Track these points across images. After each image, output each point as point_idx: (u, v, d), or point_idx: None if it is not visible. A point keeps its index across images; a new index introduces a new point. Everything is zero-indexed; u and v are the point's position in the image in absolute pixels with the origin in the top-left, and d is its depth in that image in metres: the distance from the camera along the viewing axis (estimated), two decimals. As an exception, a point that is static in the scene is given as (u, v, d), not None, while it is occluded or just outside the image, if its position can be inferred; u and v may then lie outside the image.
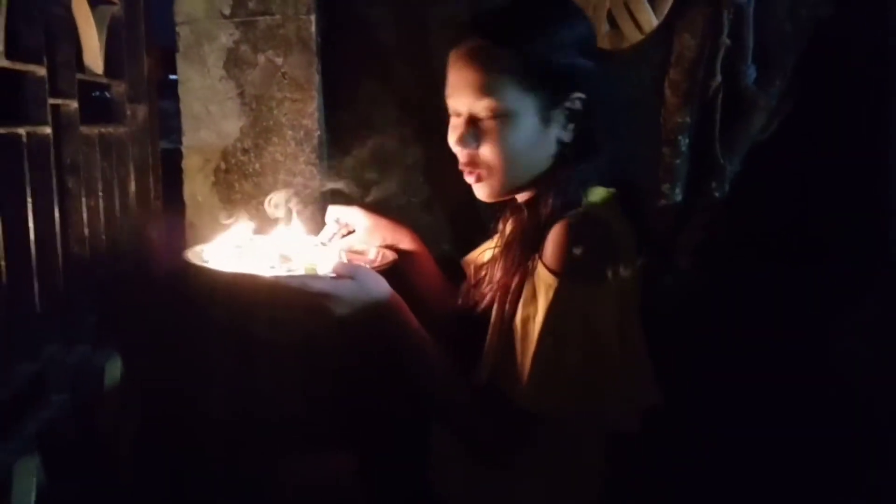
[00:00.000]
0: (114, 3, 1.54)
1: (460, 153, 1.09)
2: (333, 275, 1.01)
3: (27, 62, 1.17)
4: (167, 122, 2.17)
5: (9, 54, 1.11)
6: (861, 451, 1.65)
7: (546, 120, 1.05)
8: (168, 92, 1.96)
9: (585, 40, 1.08)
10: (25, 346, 1.15)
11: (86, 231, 1.40)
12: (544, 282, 0.95)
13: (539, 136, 1.04)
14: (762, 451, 1.71)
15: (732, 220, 2.01)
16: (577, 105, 1.05)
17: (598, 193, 1.04)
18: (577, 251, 0.93)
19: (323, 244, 1.24)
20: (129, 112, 1.64)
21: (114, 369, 1.46)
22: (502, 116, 1.02)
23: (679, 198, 2.06)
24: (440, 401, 1.03)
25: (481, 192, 1.11)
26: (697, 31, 1.88)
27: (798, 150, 1.92)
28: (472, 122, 1.06)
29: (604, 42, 1.95)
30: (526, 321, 0.96)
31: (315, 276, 1.02)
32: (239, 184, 1.71)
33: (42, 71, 1.20)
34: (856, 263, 1.83)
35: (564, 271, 0.93)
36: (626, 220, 1.02)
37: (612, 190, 1.05)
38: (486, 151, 1.05)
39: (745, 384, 1.77)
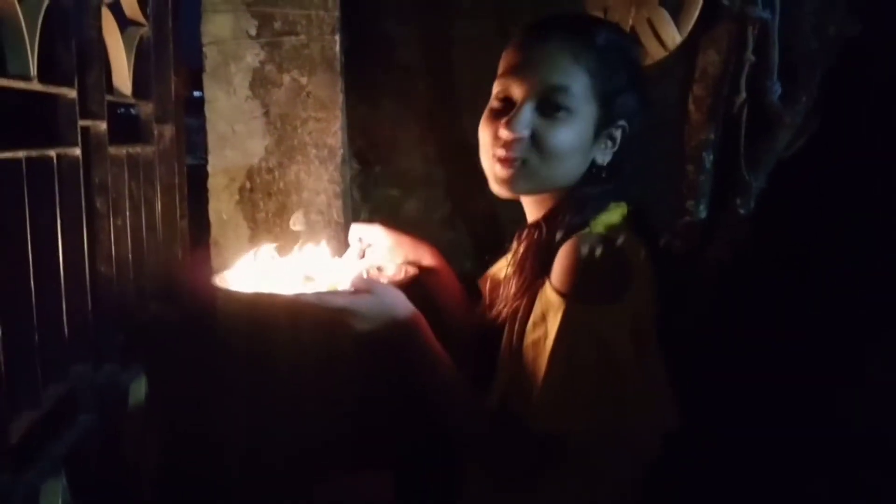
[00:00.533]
0: (143, 25, 1.56)
1: (506, 135, 1.04)
2: (352, 290, 1.00)
3: (59, 85, 1.19)
4: (191, 138, 2.20)
5: (41, 77, 1.12)
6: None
7: (596, 135, 1.05)
8: (192, 108, 1.99)
9: (642, 74, 1.11)
10: (55, 366, 1.16)
11: (113, 250, 1.41)
12: (553, 304, 0.94)
13: (586, 146, 1.05)
14: (787, 461, 1.69)
15: (758, 237, 1.99)
16: (618, 133, 1.06)
17: (611, 212, 1.03)
18: (584, 271, 0.92)
19: (345, 262, 1.24)
20: (156, 132, 1.66)
21: (139, 388, 1.47)
22: (567, 109, 1.02)
23: (703, 214, 2.04)
24: (455, 421, 1.02)
25: (512, 182, 1.06)
26: (722, 48, 1.87)
27: (824, 166, 1.90)
28: (529, 107, 1.04)
29: (627, 59, 1.96)
30: (536, 343, 0.95)
31: (333, 292, 1.02)
32: (263, 202, 1.72)
33: (73, 93, 1.22)
34: (882, 280, 1.81)
35: (571, 292, 0.92)
36: (638, 239, 1.01)
37: (624, 208, 1.04)
38: (542, 138, 1.02)
39: (769, 396, 1.75)
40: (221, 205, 1.73)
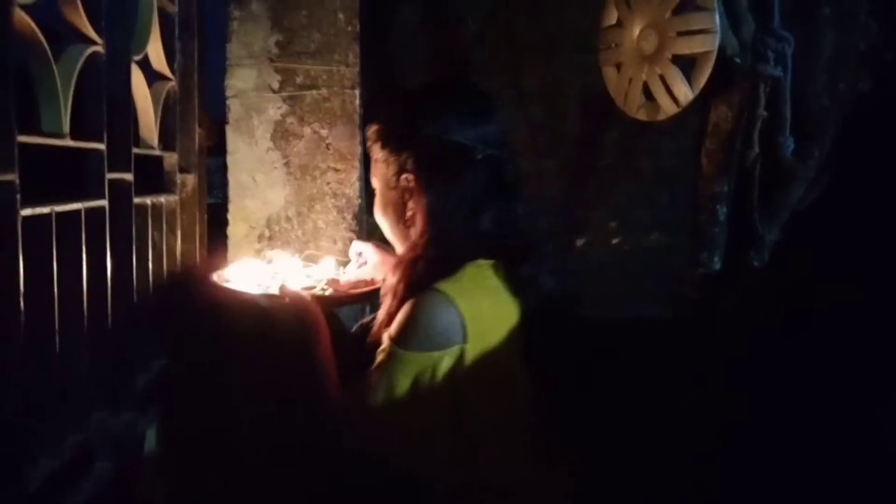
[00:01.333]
0: (170, 80, 1.61)
1: None
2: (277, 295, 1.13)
3: (89, 140, 1.23)
4: (209, 178, 2.24)
5: (73, 133, 1.16)
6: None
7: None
8: (211, 149, 2.03)
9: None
10: (75, 415, 1.18)
11: (135, 298, 1.44)
12: (385, 345, 1.00)
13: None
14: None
15: (772, 288, 1.99)
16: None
17: (465, 272, 1.01)
18: (407, 321, 0.97)
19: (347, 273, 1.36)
20: (179, 181, 1.70)
21: (153, 435, 1.48)
22: None
23: (718, 266, 2.05)
24: (322, 412, 1.06)
25: None
26: (734, 104, 1.90)
27: (838, 219, 1.91)
28: None
29: (640, 114, 1.99)
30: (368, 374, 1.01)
31: (267, 295, 1.14)
32: (282, 250, 1.75)
33: (102, 147, 1.26)
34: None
35: (393, 336, 0.98)
36: (500, 290, 1.01)
37: (482, 267, 1.02)
38: None
39: (783, 445, 1.74)
40: (241, 252, 1.76)
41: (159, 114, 1.59)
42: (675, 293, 2.35)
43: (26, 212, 1.02)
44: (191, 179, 1.78)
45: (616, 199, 2.59)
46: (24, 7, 1.00)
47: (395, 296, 1.04)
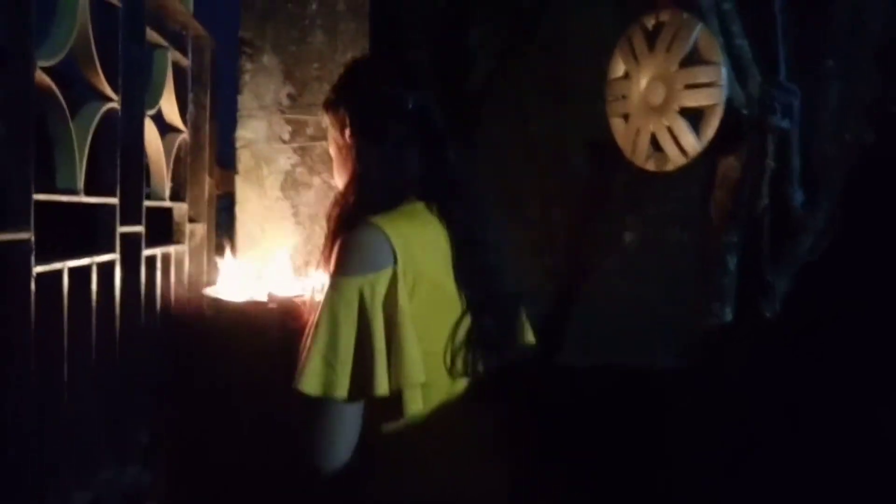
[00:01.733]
0: (182, 132, 1.62)
1: None
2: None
3: (102, 195, 1.24)
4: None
5: (86, 187, 1.17)
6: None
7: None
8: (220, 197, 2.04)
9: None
10: (83, 472, 1.16)
11: (143, 351, 1.43)
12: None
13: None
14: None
15: (783, 339, 1.98)
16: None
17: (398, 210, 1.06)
18: (340, 249, 0.99)
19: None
20: (188, 231, 1.70)
21: (159, 485, 1.46)
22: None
23: (729, 317, 2.04)
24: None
25: None
26: (742, 155, 1.90)
27: (848, 270, 1.90)
28: None
29: (648, 164, 1.99)
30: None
31: (255, 302, 1.35)
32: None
33: (114, 202, 1.27)
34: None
35: (333, 270, 1.00)
36: (428, 222, 1.05)
37: (420, 202, 1.08)
38: None
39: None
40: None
41: (171, 165, 1.60)
42: (685, 342, 2.33)
43: (40, 269, 1.02)
44: (200, 229, 1.79)
45: (623, 246, 2.59)
46: (44, 69, 1.01)
47: (326, 238, 1.09)
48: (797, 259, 1.98)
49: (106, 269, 1.25)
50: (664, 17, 1.94)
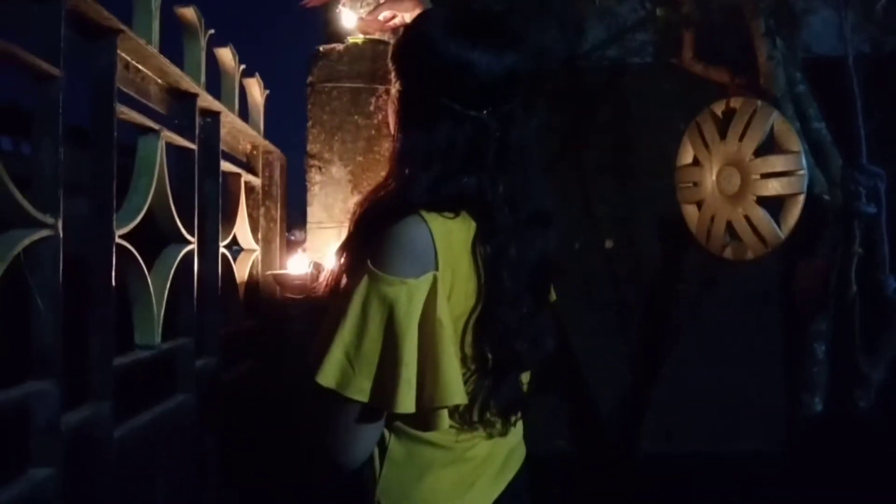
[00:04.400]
0: (254, 250, 1.64)
1: None
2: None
3: (179, 337, 1.26)
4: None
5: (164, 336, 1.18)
6: None
7: None
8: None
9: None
10: None
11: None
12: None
13: None
14: None
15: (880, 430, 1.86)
16: None
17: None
18: (383, 243, 0.85)
19: None
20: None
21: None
22: None
23: (819, 408, 1.93)
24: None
25: None
26: (827, 241, 1.82)
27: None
28: None
29: (727, 253, 1.92)
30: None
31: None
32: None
33: (191, 344, 1.28)
34: None
35: (373, 260, 0.85)
36: (463, 226, 0.88)
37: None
38: None
39: None
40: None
41: (244, 286, 1.62)
42: (773, 428, 2.22)
43: (120, 432, 1.03)
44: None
45: (701, 328, 2.49)
46: (122, 236, 1.03)
47: (352, 224, 0.93)
48: (893, 346, 1.87)
49: (186, 412, 1.26)
50: (735, 103, 1.89)
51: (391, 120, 0.96)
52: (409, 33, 0.95)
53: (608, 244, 2.66)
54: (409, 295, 0.84)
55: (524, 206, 0.91)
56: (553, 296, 1.00)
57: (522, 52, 0.91)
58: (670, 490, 2.31)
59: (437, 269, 0.85)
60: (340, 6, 1.84)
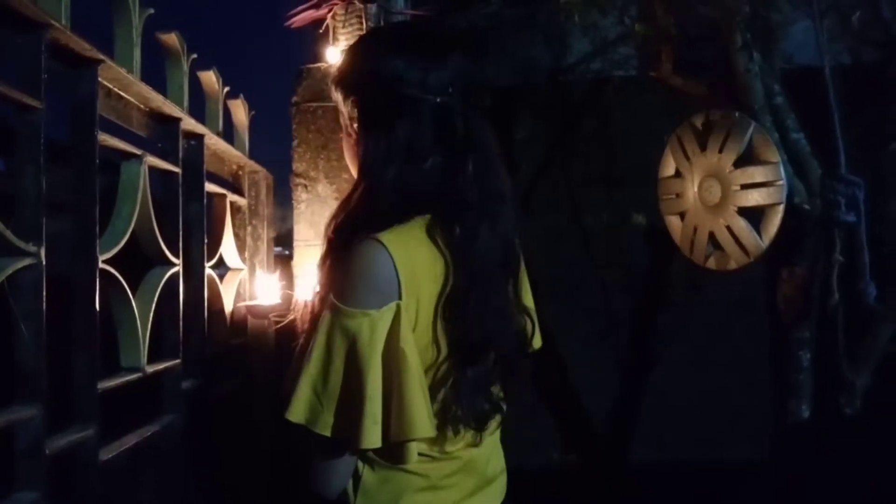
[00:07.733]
0: (241, 269, 1.66)
1: None
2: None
3: (165, 360, 1.27)
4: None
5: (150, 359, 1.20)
6: None
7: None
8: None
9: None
10: None
11: None
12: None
13: None
14: None
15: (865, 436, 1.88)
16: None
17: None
18: (350, 275, 0.85)
19: None
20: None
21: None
22: None
23: (806, 415, 1.95)
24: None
25: None
26: (808, 251, 1.84)
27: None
28: None
29: (709, 263, 1.94)
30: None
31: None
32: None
33: (178, 362, 1.29)
34: None
35: (336, 293, 0.86)
36: (431, 247, 0.88)
37: (424, 218, 0.90)
38: None
39: None
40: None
41: (231, 305, 1.64)
42: (761, 435, 2.23)
43: (105, 455, 1.04)
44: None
45: (689, 335, 2.52)
46: (106, 261, 1.05)
47: (324, 244, 0.92)
48: (877, 353, 1.89)
49: (172, 433, 1.27)
50: (714, 116, 1.91)
51: (346, 146, 0.97)
52: (351, 53, 0.97)
53: (638, 219, 2.65)
54: (372, 326, 0.84)
55: (489, 183, 0.92)
56: (529, 296, 1.00)
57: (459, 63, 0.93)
58: (660, 497, 2.32)
59: (400, 298, 0.85)
60: (325, 24, 1.87)
